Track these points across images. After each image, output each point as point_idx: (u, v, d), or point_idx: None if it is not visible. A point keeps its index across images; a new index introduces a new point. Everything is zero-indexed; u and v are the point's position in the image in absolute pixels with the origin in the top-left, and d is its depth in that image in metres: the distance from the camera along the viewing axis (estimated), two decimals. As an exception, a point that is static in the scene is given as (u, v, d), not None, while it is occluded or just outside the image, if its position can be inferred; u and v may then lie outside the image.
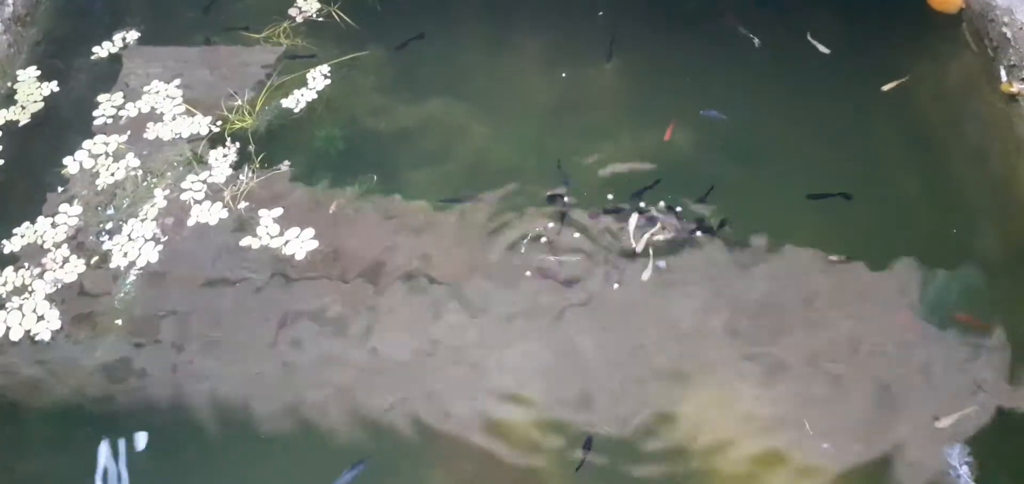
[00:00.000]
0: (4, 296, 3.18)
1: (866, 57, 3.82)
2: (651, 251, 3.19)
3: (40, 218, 3.41)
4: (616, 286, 3.11)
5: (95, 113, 3.77)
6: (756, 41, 3.89)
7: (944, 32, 3.84)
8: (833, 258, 3.13)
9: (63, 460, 2.85)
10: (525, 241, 3.26)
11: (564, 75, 3.89)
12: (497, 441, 2.77)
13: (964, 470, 2.60)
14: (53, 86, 3.91)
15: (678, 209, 3.30)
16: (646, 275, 3.12)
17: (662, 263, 3.17)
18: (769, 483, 2.64)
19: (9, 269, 3.25)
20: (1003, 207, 3.30)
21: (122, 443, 2.83)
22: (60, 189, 3.52)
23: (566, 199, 3.39)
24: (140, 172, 3.56)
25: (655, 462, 2.70)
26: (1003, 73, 3.46)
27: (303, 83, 3.85)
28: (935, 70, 3.78)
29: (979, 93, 3.59)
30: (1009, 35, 3.41)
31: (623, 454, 2.72)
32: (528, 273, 3.16)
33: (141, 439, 2.84)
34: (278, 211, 3.39)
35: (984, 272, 3.11)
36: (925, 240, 3.19)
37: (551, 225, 3.31)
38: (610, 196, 3.38)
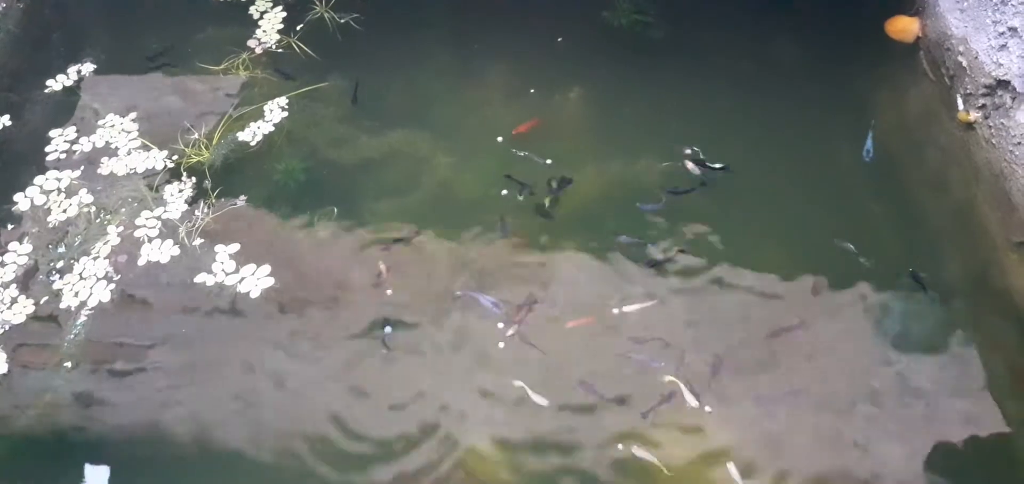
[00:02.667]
0: (-51, 339, 3.10)
1: (825, 85, 3.84)
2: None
3: (-12, 256, 3.33)
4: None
5: (48, 148, 3.70)
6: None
7: (902, 61, 3.87)
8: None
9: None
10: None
11: (532, 92, 3.89)
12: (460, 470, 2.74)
13: None
14: (5, 120, 3.83)
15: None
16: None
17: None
18: None
19: (-45, 310, 3.17)
20: (962, 233, 3.32)
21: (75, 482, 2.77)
22: (10, 226, 3.44)
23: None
24: (93, 208, 3.49)
25: None
26: (960, 102, 3.48)
27: (260, 116, 3.80)
28: (894, 99, 3.81)
29: (937, 121, 3.62)
30: (965, 64, 3.43)
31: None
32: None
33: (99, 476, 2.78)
34: (234, 247, 3.33)
35: (943, 297, 3.11)
36: (885, 266, 3.20)
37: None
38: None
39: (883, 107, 3.77)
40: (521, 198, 3.48)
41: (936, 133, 3.61)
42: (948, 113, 3.57)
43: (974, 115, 3.41)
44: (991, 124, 3.33)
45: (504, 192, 3.51)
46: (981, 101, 3.37)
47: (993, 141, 3.31)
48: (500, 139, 3.71)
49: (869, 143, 3.46)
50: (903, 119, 3.73)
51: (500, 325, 3.07)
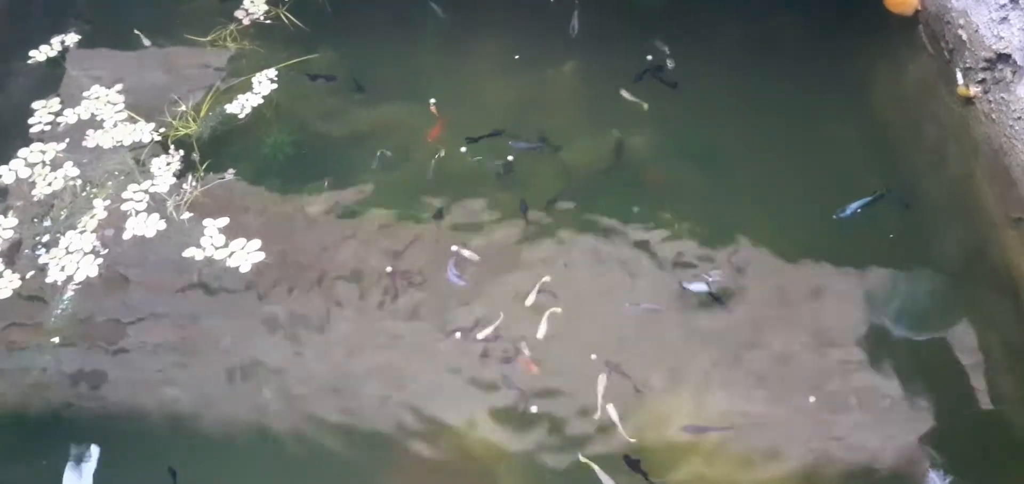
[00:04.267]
0: (-67, 314, 3.04)
1: (823, 59, 3.79)
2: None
3: (-28, 231, 3.27)
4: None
5: (32, 121, 3.63)
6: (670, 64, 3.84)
7: (901, 34, 3.82)
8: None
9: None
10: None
11: (517, 59, 3.84)
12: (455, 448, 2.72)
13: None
14: (-12, 92, 3.76)
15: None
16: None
17: None
18: None
19: (-61, 285, 3.12)
20: (962, 208, 3.29)
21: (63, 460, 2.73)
22: (-6, 200, 3.38)
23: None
24: (79, 182, 3.43)
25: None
26: (959, 76, 3.44)
27: (249, 88, 3.73)
28: (892, 72, 3.77)
29: (936, 95, 3.58)
30: (965, 37, 3.39)
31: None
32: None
33: (88, 454, 2.75)
34: (224, 221, 3.28)
35: (942, 274, 3.09)
36: (882, 242, 3.17)
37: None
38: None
39: (881, 81, 3.73)
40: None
41: (935, 108, 3.57)
42: (947, 88, 3.53)
43: (974, 89, 3.37)
44: (991, 98, 3.29)
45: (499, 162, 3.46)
46: (981, 75, 3.33)
47: (993, 116, 3.28)
48: (492, 110, 3.65)
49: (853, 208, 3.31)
50: (901, 94, 3.69)
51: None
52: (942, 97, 3.55)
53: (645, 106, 3.66)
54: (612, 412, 2.75)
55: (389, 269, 3.14)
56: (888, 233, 3.19)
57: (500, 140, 3.53)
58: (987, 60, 3.29)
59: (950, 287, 3.06)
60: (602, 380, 2.82)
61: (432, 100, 3.69)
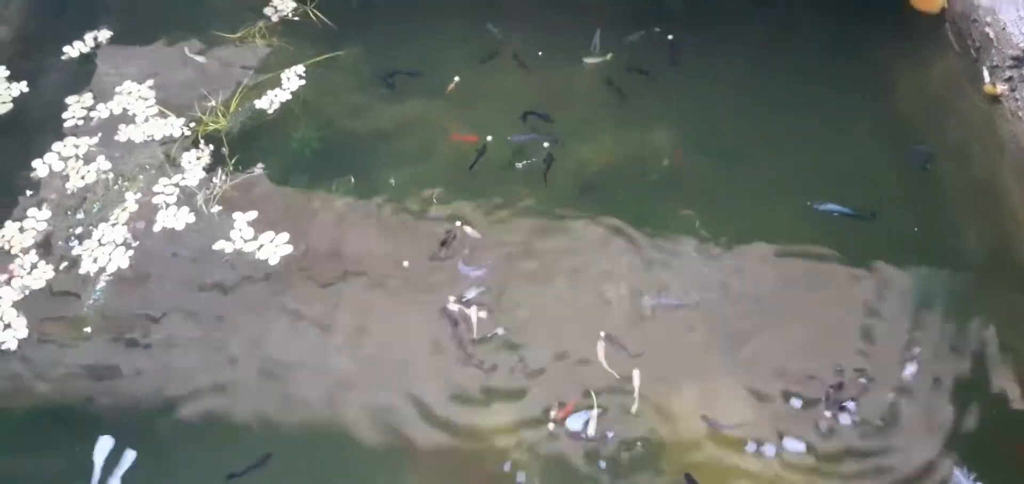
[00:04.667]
0: (-31, 304, 3.11)
1: (847, 56, 3.79)
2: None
3: (8, 222, 3.33)
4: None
5: (65, 115, 3.69)
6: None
7: (927, 32, 3.81)
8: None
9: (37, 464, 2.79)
10: None
11: (541, 54, 3.86)
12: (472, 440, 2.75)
13: None
14: (22, 86, 3.82)
15: None
16: None
17: None
18: None
19: (-25, 275, 3.18)
20: (986, 207, 3.28)
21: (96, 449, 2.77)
22: (29, 192, 3.44)
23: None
24: (111, 175, 3.49)
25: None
26: (986, 74, 3.43)
27: (277, 84, 3.78)
28: (917, 70, 3.76)
29: (962, 93, 3.57)
30: (992, 35, 3.38)
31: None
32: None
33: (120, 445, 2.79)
34: (252, 214, 3.33)
35: (966, 272, 3.09)
36: (907, 240, 3.17)
37: None
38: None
39: (906, 79, 3.73)
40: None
41: (960, 106, 3.56)
42: (973, 86, 3.52)
43: (1000, 88, 3.36)
44: (1018, 97, 3.28)
45: (519, 165, 3.49)
46: (1008, 73, 3.32)
47: (1019, 114, 3.26)
48: (518, 107, 3.68)
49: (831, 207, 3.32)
50: (926, 92, 3.69)
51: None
52: (968, 95, 3.54)
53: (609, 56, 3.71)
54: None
55: (406, 264, 3.18)
56: (894, 235, 3.18)
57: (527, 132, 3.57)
58: (1014, 58, 3.28)
59: (974, 285, 3.06)
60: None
61: (455, 78, 3.74)
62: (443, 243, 3.22)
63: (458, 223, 3.27)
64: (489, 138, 3.57)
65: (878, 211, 3.25)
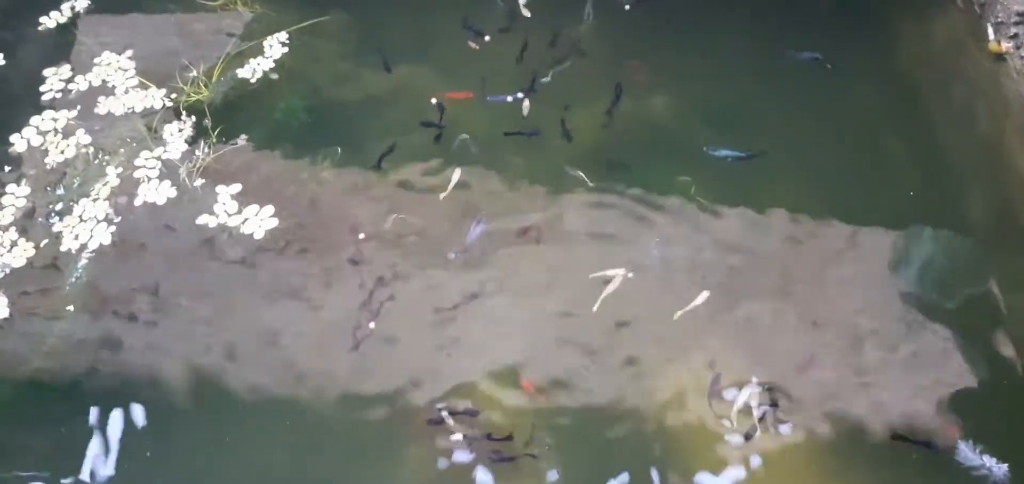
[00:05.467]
0: (-52, 283, 3.04)
1: (847, 14, 3.70)
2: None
3: (-14, 199, 3.26)
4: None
5: (43, 88, 3.59)
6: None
7: (930, -12, 3.72)
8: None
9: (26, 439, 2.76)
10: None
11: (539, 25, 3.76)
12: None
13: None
14: (-1, 59, 3.73)
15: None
16: None
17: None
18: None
19: (-47, 254, 3.11)
20: (990, 169, 3.21)
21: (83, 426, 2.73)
22: (7, 168, 3.36)
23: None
24: (91, 149, 3.40)
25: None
26: (990, 31, 3.34)
27: (260, 52, 3.68)
28: (920, 28, 3.66)
29: (966, 52, 3.48)
30: (997, -10, 3.29)
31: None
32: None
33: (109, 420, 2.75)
34: (236, 187, 3.25)
35: (970, 235, 3.03)
36: (910, 201, 3.11)
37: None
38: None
39: (908, 37, 3.63)
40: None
41: (964, 64, 3.48)
42: (977, 43, 3.43)
43: (1006, 45, 3.28)
44: (1023, 54, 3.19)
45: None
46: (1013, 30, 3.23)
47: (1025, 72, 3.19)
48: (506, 74, 3.59)
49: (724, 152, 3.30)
50: (929, 50, 3.60)
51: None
52: (972, 53, 3.46)
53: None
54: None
55: (397, 231, 3.11)
56: (898, 197, 3.12)
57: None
58: (1020, 14, 3.19)
59: (979, 249, 3.00)
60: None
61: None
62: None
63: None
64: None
65: (768, 150, 3.25)
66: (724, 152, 3.26)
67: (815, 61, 3.53)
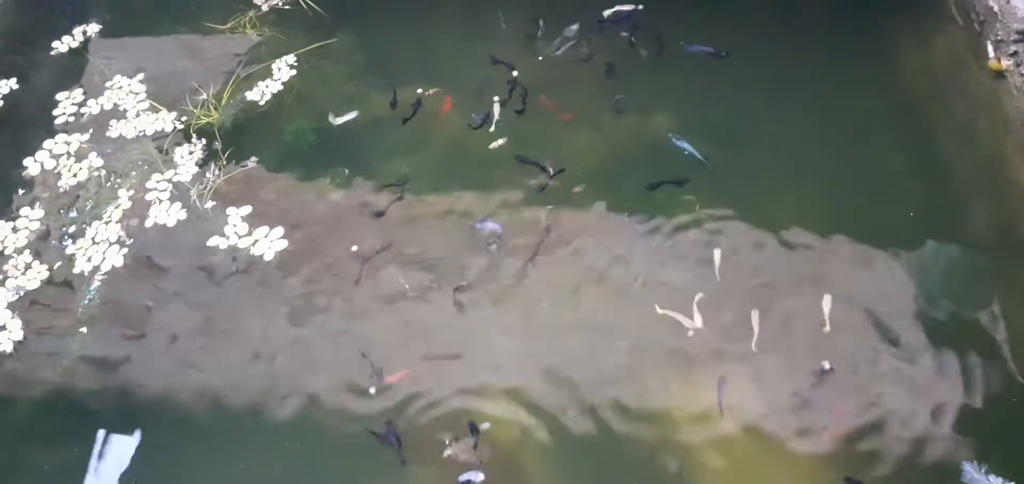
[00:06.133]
0: (-37, 306, 3.09)
1: (849, 30, 3.72)
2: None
3: (0, 222, 3.30)
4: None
5: (56, 112, 3.65)
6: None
7: (929, 6, 3.73)
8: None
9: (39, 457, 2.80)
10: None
11: (542, 47, 3.81)
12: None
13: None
14: (12, 83, 3.78)
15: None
16: None
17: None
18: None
19: (-32, 277, 3.16)
20: (991, 184, 3.22)
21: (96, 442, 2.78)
22: (21, 191, 3.41)
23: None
24: (103, 172, 3.45)
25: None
26: (990, 49, 3.36)
27: (269, 74, 3.73)
28: (921, 45, 3.68)
29: (966, 69, 3.49)
30: (996, 9, 3.30)
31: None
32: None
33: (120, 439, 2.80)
34: (247, 209, 3.29)
35: (973, 250, 3.04)
36: (912, 217, 3.12)
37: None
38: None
39: (909, 54, 3.65)
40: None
41: (964, 81, 3.49)
42: (977, 61, 3.44)
43: (1006, 62, 3.29)
44: (1023, 72, 3.21)
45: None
46: (1013, 47, 3.25)
47: (1025, 89, 3.20)
48: (510, 96, 3.63)
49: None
50: (930, 67, 3.61)
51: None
52: (972, 70, 3.47)
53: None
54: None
55: (404, 251, 3.15)
56: (899, 214, 3.14)
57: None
58: (1020, 32, 3.21)
59: (982, 263, 3.01)
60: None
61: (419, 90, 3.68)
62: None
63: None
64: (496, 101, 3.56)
65: (709, 156, 3.32)
66: (684, 144, 3.35)
67: (710, 55, 3.67)
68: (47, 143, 3.54)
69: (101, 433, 2.79)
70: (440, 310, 3.00)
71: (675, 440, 2.67)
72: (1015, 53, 3.25)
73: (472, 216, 3.24)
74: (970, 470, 2.53)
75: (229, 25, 3.93)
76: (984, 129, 3.35)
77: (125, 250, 3.21)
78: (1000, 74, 3.32)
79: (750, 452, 2.65)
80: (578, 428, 2.71)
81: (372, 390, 2.83)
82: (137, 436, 2.78)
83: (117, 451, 2.76)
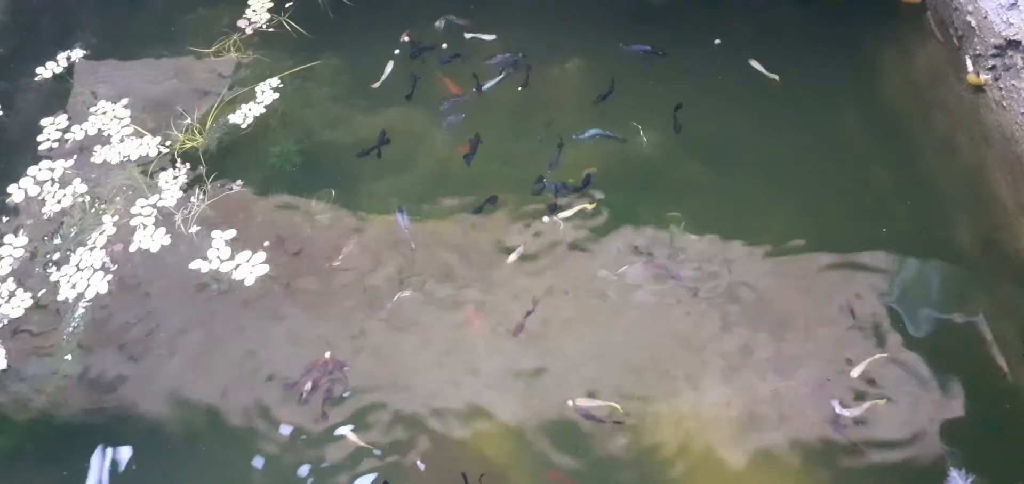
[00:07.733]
0: (-54, 335, 3.08)
1: (830, 46, 3.75)
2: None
3: (-17, 250, 3.30)
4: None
5: (40, 138, 3.65)
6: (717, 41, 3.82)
7: (909, 21, 3.76)
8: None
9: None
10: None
11: (528, 64, 3.83)
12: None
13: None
14: (-5, 109, 3.78)
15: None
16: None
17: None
18: None
19: (-48, 306, 3.15)
20: (973, 198, 3.25)
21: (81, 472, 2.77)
22: (4, 218, 3.40)
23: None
24: (88, 198, 3.45)
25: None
26: (969, 63, 3.39)
27: (253, 97, 3.73)
28: (901, 60, 3.71)
29: (946, 83, 3.52)
30: (974, 23, 3.34)
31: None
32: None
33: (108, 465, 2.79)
34: (231, 233, 3.29)
35: (955, 264, 3.06)
36: (893, 231, 3.14)
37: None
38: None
39: (889, 69, 3.69)
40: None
41: (944, 96, 3.52)
42: (956, 75, 3.47)
43: (984, 77, 3.32)
44: (1002, 86, 3.24)
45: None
46: (991, 62, 3.28)
47: (1004, 103, 3.23)
48: (495, 116, 3.65)
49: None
50: (910, 82, 3.64)
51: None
52: (952, 85, 3.50)
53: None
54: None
55: (399, 276, 3.15)
56: (882, 228, 3.16)
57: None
58: (997, 47, 3.24)
59: (963, 277, 3.03)
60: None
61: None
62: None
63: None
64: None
65: (626, 137, 3.46)
66: (592, 132, 3.49)
67: (649, 53, 3.77)
68: (31, 169, 3.53)
69: (93, 457, 2.78)
70: (426, 334, 3.00)
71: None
72: (993, 67, 3.28)
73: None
74: (956, 478, 2.55)
75: (214, 49, 3.94)
76: (964, 143, 3.38)
77: (110, 276, 3.20)
78: (979, 88, 3.35)
79: (728, 464, 2.66)
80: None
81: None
82: (127, 457, 2.77)
83: (106, 475, 2.76)
